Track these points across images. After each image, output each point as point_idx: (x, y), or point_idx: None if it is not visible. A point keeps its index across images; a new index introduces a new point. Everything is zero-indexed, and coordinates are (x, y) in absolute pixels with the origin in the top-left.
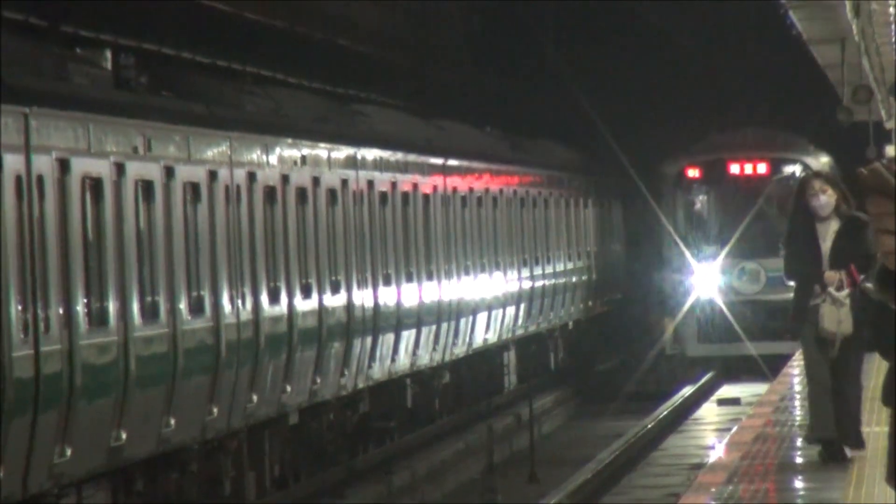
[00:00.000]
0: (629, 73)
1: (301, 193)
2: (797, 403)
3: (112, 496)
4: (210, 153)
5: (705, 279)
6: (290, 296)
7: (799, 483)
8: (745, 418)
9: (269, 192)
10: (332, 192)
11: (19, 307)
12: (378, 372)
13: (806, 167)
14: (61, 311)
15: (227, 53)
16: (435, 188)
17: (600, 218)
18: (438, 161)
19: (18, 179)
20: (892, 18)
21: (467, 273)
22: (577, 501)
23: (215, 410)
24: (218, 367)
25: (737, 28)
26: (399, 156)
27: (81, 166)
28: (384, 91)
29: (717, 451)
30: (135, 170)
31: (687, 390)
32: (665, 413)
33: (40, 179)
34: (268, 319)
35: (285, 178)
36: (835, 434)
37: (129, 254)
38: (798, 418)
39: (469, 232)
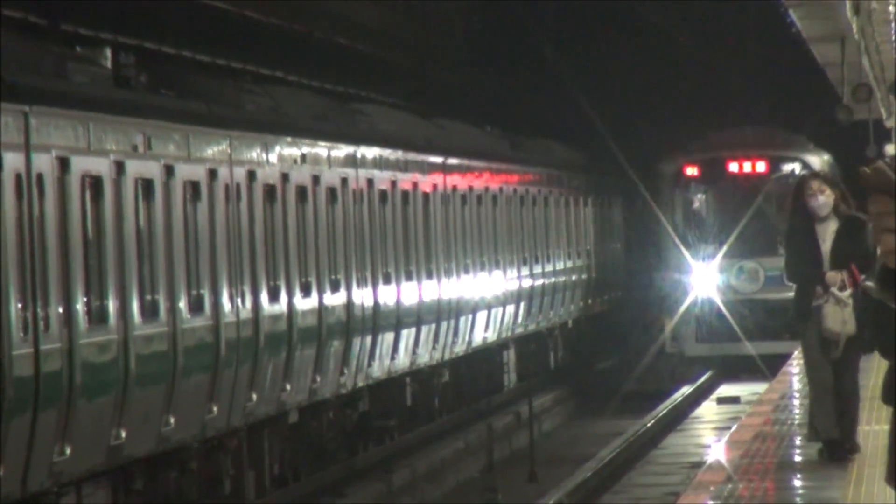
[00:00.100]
0: (628, 71)
1: (301, 192)
2: (797, 402)
3: (112, 495)
4: (210, 152)
5: (704, 278)
6: (290, 294)
7: (798, 482)
8: (744, 417)
9: (269, 191)
10: (331, 191)
11: (19, 305)
12: (378, 370)
13: (805, 165)
14: (61, 310)
15: (227, 52)
16: (435, 187)
17: (600, 217)
18: (438, 160)
19: (18, 178)
20: (891, 17)
21: (467, 272)
22: (576, 500)
23: (215, 409)
24: (218, 365)
25: (737, 27)
26: (399, 154)
27: (81, 165)
28: (384, 89)
29: (716, 450)
30: (135, 168)
31: (686, 389)
32: (664, 412)
33: (40, 178)
34: (267, 318)
35: (285, 177)
36: (837, 434)
37: (129, 252)
38: (798, 417)
39: (469, 230)
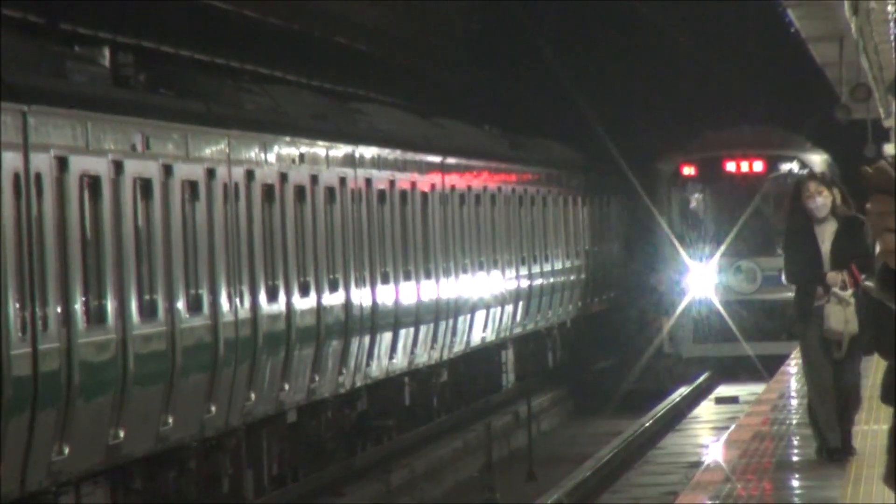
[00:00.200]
0: (627, 71)
1: (299, 191)
2: (795, 402)
3: (110, 494)
4: (208, 151)
5: (701, 278)
6: (289, 294)
7: (797, 481)
8: (742, 417)
9: (268, 191)
10: (330, 190)
11: (17, 305)
12: (376, 370)
13: (802, 164)
14: (59, 310)
15: (226, 51)
16: (433, 186)
17: (598, 216)
18: (437, 159)
19: (17, 177)
20: (890, 17)
21: (465, 271)
22: (575, 500)
23: (213, 408)
24: (216, 365)
25: (736, 27)
26: (397, 154)
27: (80, 164)
28: (383, 89)
29: (714, 450)
30: (133, 168)
31: (684, 389)
32: (663, 411)
33: (38, 177)
34: (266, 317)
35: (283, 177)
36: (840, 442)
37: (128, 252)
38: (796, 417)
39: (467, 230)
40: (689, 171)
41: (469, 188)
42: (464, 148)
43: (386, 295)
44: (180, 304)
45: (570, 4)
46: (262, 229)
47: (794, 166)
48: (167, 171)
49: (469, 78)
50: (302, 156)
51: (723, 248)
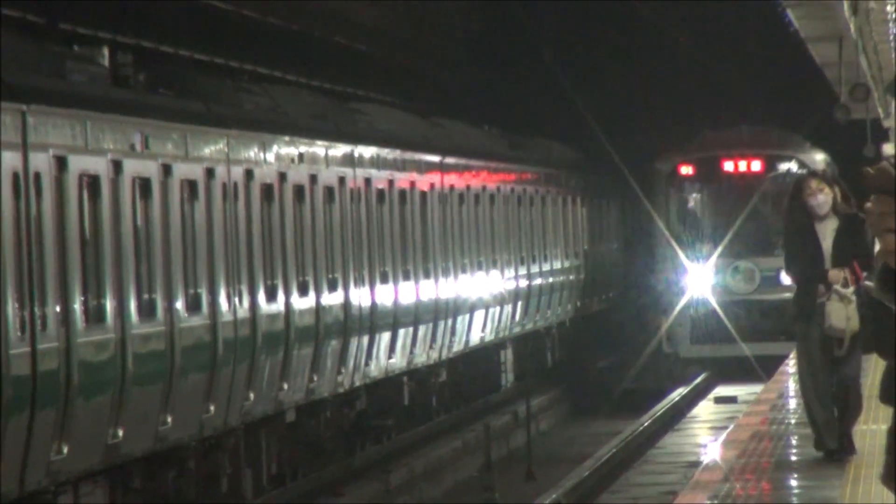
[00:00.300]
0: (627, 71)
1: (298, 191)
2: (794, 402)
3: (109, 494)
4: (207, 151)
5: (699, 278)
6: (288, 294)
7: (795, 481)
8: (741, 416)
9: (267, 190)
10: (329, 190)
11: (16, 305)
12: (375, 370)
13: (801, 164)
14: (58, 309)
15: (225, 51)
16: (432, 186)
17: (597, 216)
18: (436, 159)
19: (16, 177)
20: (889, 17)
21: (464, 271)
22: (574, 499)
23: (212, 408)
24: (215, 364)
25: (735, 27)
26: (397, 153)
27: (79, 164)
28: (382, 89)
29: (713, 450)
30: (132, 167)
31: (683, 389)
32: (662, 411)
33: (37, 177)
34: (265, 317)
35: (283, 176)
36: (837, 445)
37: (127, 251)
38: (795, 417)
39: (466, 230)
40: (686, 170)
41: (468, 188)
42: (463, 148)
43: (385, 294)
44: (179, 304)
45: (570, 4)
46: (262, 229)
47: (792, 166)
48: (166, 170)
49: (468, 78)
50: (301, 155)
51: (721, 248)
